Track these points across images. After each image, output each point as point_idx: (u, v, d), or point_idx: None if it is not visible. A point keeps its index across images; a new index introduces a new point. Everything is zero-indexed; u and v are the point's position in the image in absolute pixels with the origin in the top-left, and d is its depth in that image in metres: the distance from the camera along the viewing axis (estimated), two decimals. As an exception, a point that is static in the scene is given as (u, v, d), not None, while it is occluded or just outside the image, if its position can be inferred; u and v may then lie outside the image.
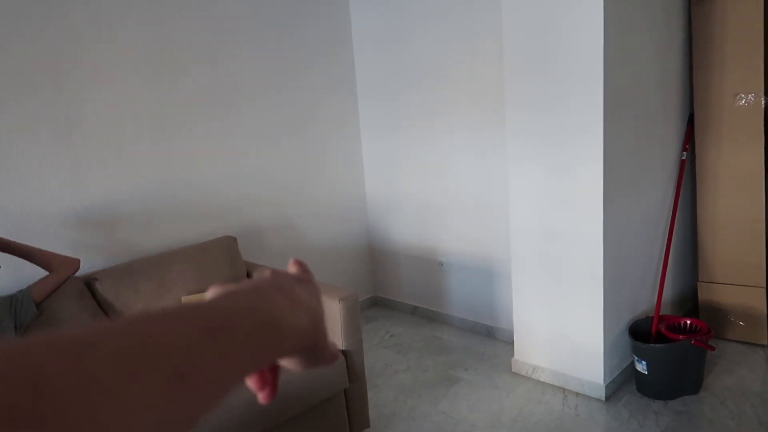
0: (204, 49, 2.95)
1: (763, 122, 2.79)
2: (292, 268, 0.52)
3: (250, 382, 0.43)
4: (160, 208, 2.85)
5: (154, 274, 2.50)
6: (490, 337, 3.34)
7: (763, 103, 2.77)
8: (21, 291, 2.03)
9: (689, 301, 3.40)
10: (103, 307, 2.35)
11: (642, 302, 2.86)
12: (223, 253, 2.75)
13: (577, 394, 2.68)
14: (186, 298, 2.40)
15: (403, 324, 3.65)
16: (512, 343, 2.98)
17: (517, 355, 2.92)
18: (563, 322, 2.68)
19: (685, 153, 3.04)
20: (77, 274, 2.48)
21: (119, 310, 2.37)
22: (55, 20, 2.43)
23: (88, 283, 2.38)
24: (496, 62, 2.96)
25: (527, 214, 2.70)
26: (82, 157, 2.57)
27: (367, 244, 3.94)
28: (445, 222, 3.45)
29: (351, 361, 2.37)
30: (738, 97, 2.83)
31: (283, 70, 3.31)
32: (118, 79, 2.65)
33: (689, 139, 3.08)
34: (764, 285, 2.89)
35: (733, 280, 2.98)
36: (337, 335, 2.34)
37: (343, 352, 2.35)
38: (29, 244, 2.14)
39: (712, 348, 2.56)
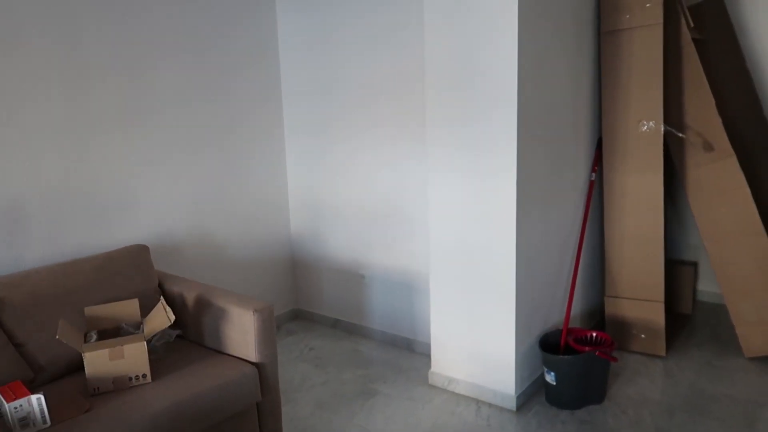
0: (121, 56, 2.83)
1: (662, 148, 3.00)
2: None
3: None
4: (68, 214, 2.70)
5: (56, 283, 2.36)
6: (410, 350, 3.37)
7: (662, 130, 2.98)
8: None
9: (597, 315, 3.57)
10: (-5, 318, 2.19)
11: (553, 315, 2.98)
12: (133, 263, 2.63)
13: (490, 405, 2.74)
14: (89, 310, 2.28)
15: (324, 337, 3.61)
16: (430, 355, 3.01)
17: (433, 368, 2.96)
18: (477, 334, 2.75)
19: (594, 174, 3.21)
20: (-32, 282, 2.32)
21: (14, 323, 2.21)
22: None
23: (-20, 293, 2.22)
24: (419, 78, 3.03)
25: (445, 229, 2.76)
26: (-21, 157, 2.40)
27: (290, 255, 3.89)
28: (368, 235, 3.46)
29: (264, 375, 2.32)
30: (641, 123, 3.02)
31: (206, 77, 3.24)
32: (27, 81, 2.50)
33: (598, 161, 3.25)
34: (662, 300, 3.08)
35: (635, 294, 3.15)
36: (250, 347, 2.29)
37: (256, 365, 2.30)
38: None
39: (615, 359, 2.70)
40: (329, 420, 2.66)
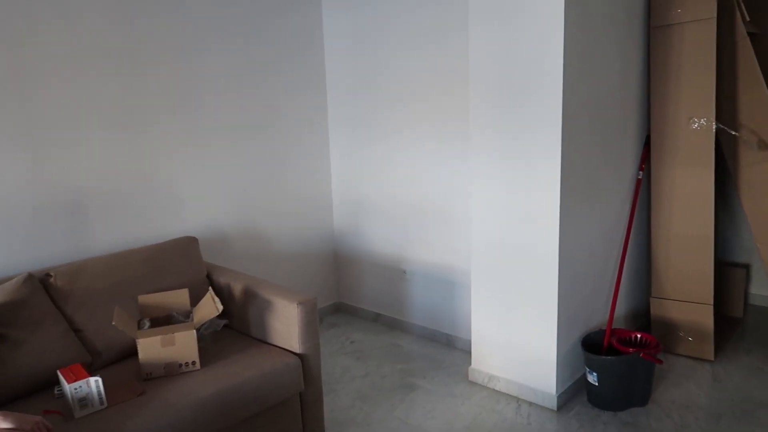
0: (172, 46, 2.94)
1: (713, 146, 2.91)
2: None
3: None
4: (121, 205, 2.82)
5: (111, 273, 2.48)
6: (449, 346, 3.38)
7: (714, 127, 2.89)
8: None
9: (642, 316, 3.50)
10: (57, 304, 2.31)
11: (596, 315, 2.94)
12: (182, 254, 2.73)
13: (530, 403, 2.73)
14: (142, 298, 2.38)
15: (365, 331, 3.66)
16: (470, 352, 3.03)
17: (474, 364, 2.97)
18: (519, 332, 2.74)
19: (641, 172, 3.15)
20: (33, 269, 2.46)
21: (73, 310, 2.33)
22: (17, 10, 2.41)
23: (42, 280, 2.34)
24: (463, 75, 3.03)
25: (487, 227, 2.76)
26: (40, 150, 2.54)
27: (332, 249, 3.95)
28: (410, 230, 3.49)
29: (307, 366, 2.38)
30: (691, 120, 2.94)
31: (252, 73, 3.32)
32: (80, 72, 2.63)
33: (645, 159, 3.18)
34: (711, 302, 3.00)
35: (683, 296, 3.08)
36: (294, 338, 2.35)
37: (300, 356, 2.35)
38: None
39: (660, 362, 2.65)
40: (369, 412, 2.71)
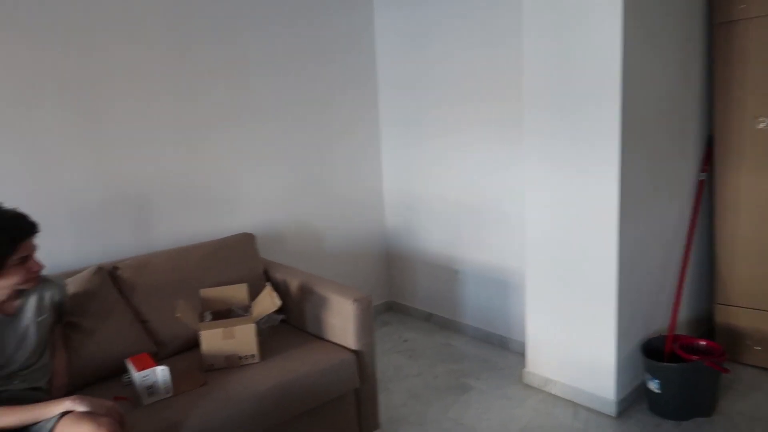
0: (227, 54, 3.02)
1: (786, 145, 2.78)
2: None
3: None
4: (181, 202, 2.92)
5: (174, 267, 2.56)
6: (503, 348, 3.34)
7: (786, 126, 2.76)
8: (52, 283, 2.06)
9: (705, 323, 3.37)
10: (124, 295, 2.41)
11: (656, 320, 2.84)
12: (240, 250, 2.80)
13: (588, 409, 2.67)
14: (204, 291, 2.45)
15: (417, 330, 3.66)
16: (525, 354, 2.98)
17: (529, 367, 2.92)
18: (576, 336, 2.68)
19: (704, 174, 3.03)
20: (103, 261, 2.56)
21: (140, 301, 2.42)
22: (86, 20, 2.53)
23: (111, 272, 2.44)
24: (517, 75, 2.99)
25: (543, 227, 2.72)
26: (108, 149, 2.65)
27: (384, 248, 3.97)
28: (463, 230, 3.47)
29: (362, 362, 2.39)
30: (758, 119, 2.81)
31: (304, 73, 3.37)
32: (144, 77, 2.73)
33: (708, 160, 3.06)
34: (783, 310, 2.86)
35: (750, 303, 2.95)
36: (349, 335, 2.37)
37: (355, 352, 2.37)
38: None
39: (726, 370, 2.54)
40: (423, 411, 2.71)
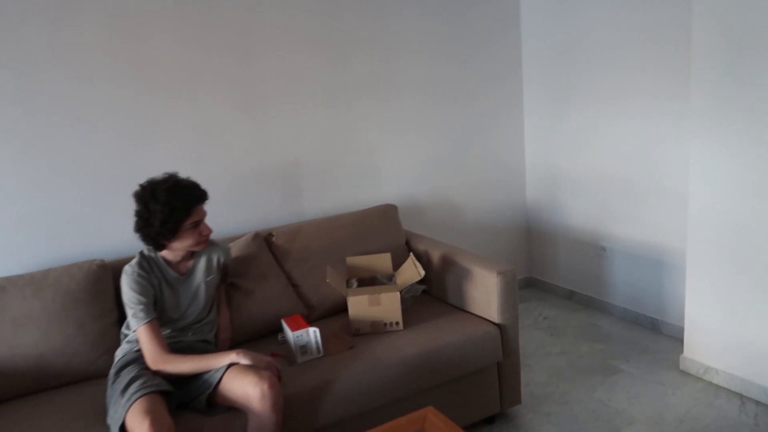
0: (373, 31, 3.05)
1: None
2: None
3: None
4: (328, 173, 3.03)
5: (322, 235, 2.67)
6: (655, 331, 3.11)
7: None
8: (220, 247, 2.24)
9: None
10: (278, 260, 2.56)
11: None
12: (384, 220, 2.86)
13: (757, 402, 2.41)
14: (350, 259, 2.53)
15: (558, 307, 3.53)
16: (681, 339, 2.76)
17: (686, 353, 2.69)
18: (746, 323, 2.42)
19: None
20: (260, 228, 2.74)
21: (292, 266, 2.56)
22: (243, 7, 2.68)
23: (266, 239, 2.61)
24: (679, 39, 2.70)
25: (710, 203, 2.46)
26: (263, 123, 2.81)
27: (525, 223, 3.85)
28: (612, 205, 3.25)
29: (506, 336, 2.35)
30: None
31: (448, 43, 3.32)
32: (296, 55, 2.85)
33: None
34: None
35: None
36: (493, 308, 2.33)
37: (498, 326, 2.33)
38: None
39: None
40: (567, 390, 2.61)
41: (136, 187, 1.98)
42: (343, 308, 2.52)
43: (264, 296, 2.40)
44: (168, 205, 1.90)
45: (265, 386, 1.74)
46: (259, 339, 2.36)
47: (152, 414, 1.63)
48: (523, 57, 3.61)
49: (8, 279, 2.11)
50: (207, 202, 2.03)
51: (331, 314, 2.56)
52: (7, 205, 2.32)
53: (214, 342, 2.18)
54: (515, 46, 3.58)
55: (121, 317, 2.22)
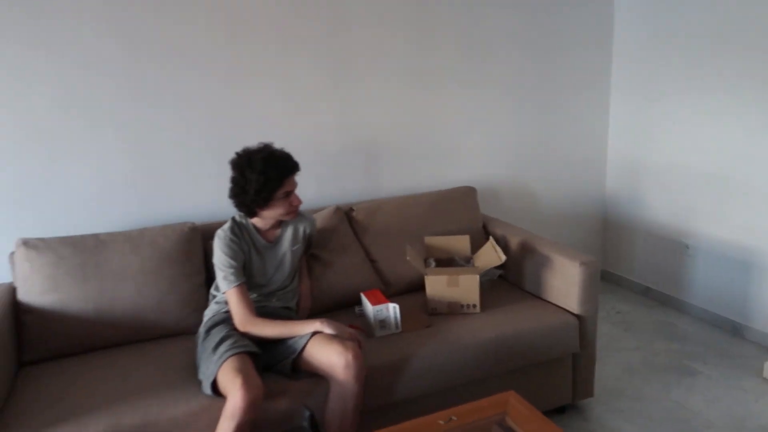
0: (458, 12, 3.01)
1: None
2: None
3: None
4: (407, 152, 3.04)
5: (401, 213, 2.69)
6: (736, 335, 2.99)
7: None
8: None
9: None
10: (357, 235, 2.60)
11: None
12: (462, 203, 2.85)
13: None
14: (428, 239, 2.55)
15: (632, 303, 3.44)
16: (766, 346, 2.64)
17: (771, 360, 2.58)
18: None
19: None
20: (338, 202, 2.78)
21: (370, 242, 2.60)
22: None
23: (347, 213, 2.65)
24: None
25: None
26: (348, 100, 2.84)
27: (601, 214, 3.75)
28: (698, 202, 3.12)
29: (584, 328, 2.31)
30: None
31: (532, 26, 3.23)
32: (383, 34, 2.85)
33: None
34: None
35: None
36: (572, 298, 2.30)
37: (577, 316, 2.30)
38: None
39: None
40: (640, 387, 2.56)
41: (223, 155, 2.04)
42: (418, 286, 2.54)
43: (343, 269, 2.45)
44: (263, 174, 1.96)
45: (350, 356, 1.79)
46: (336, 310, 2.42)
47: (243, 373, 1.70)
48: (614, 46, 3.48)
49: (110, 234, 2.24)
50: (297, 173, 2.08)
51: (406, 291, 2.59)
52: (107, 165, 2.45)
53: (296, 310, 2.25)
54: (606, 34, 3.45)
55: (208, 279, 2.33)
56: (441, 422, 1.55)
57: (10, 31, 2.22)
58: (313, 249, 2.41)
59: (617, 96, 3.52)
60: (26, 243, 2.13)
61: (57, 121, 2.35)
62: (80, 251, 2.15)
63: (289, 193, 2.05)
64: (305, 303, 2.30)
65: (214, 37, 2.53)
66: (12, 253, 2.19)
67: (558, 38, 3.31)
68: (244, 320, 1.95)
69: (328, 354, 1.82)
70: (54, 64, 2.30)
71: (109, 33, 2.35)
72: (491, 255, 2.37)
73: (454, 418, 1.56)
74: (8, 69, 2.24)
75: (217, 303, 2.10)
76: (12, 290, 2.15)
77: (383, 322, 2.15)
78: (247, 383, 1.67)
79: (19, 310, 2.09)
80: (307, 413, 1.36)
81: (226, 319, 2.01)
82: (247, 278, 2.06)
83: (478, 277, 2.28)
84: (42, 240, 2.15)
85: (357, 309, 2.38)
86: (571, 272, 2.29)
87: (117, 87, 2.41)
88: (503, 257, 2.29)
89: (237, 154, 2.05)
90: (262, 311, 2.07)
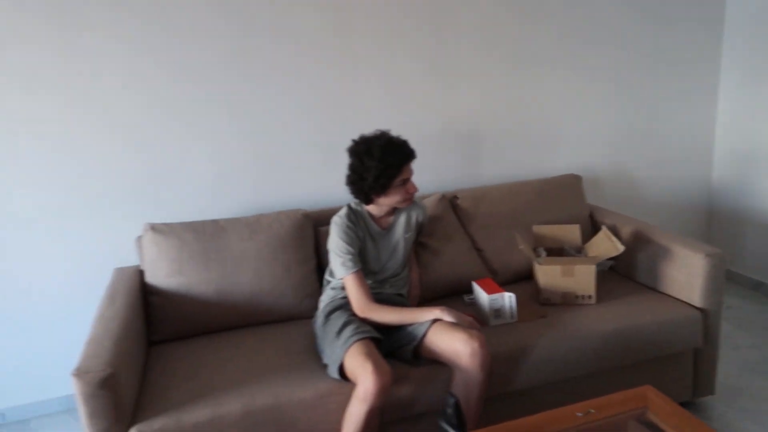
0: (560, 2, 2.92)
1: None
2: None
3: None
4: (508, 139, 2.98)
5: (506, 201, 2.65)
6: None
7: None
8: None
9: None
10: (462, 223, 2.58)
11: None
12: (568, 191, 2.77)
13: None
14: (537, 228, 2.49)
15: (742, 297, 3.26)
16: None
17: None
18: None
19: None
20: (438, 189, 2.76)
21: (475, 230, 2.57)
22: (452, -44, 2.65)
23: (451, 200, 2.63)
24: None
25: None
26: (449, 84, 2.81)
27: (707, 204, 3.56)
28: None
29: (707, 322, 2.21)
30: None
31: (635, 7, 3.08)
32: (487, 18, 2.80)
33: None
34: None
35: None
36: (695, 291, 2.20)
37: (701, 310, 2.20)
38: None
39: None
40: (763, 387, 2.42)
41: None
42: (525, 276, 2.50)
43: (449, 257, 2.43)
44: (382, 162, 1.96)
45: (476, 345, 1.77)
46: (443, 298, 2.40)
47: (373, 358, 1.72)
48: (725, 23, 3.28)
49: (228, 221, 2.31)
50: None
51: (512, 281, 2.54)
52: (221, 154, 2.53)
53: (406, 297, 2.26)
54: (717, 10, 3.25)
55: (319, 265, 2.37)
56: (579, 414, 1.51)
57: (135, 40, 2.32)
58: (421, 237, 2.40)
59: (728, 78, 3.32)
60: (153, 228, 2.23)
61: (177, 113, 2.45)
62: (202, 236, 2.23)
63: (406, 181, 2.05)
64: (415, 291, 2.31)
65: (323, 26, 2.56)
66: (139, 237, 2.30)
67: (663, 20, 3.14)
68: (363, 306, 1.97)
69: (452, 342, 1.81)
70: (175, 52, 2.40)
71: (223, 20, 2.42)
72: (606, 245, 2.29)
73: (592, 411, 1.52)
74: (130, 57, 2.35)
75: (333, 289, 2.13)
76: (139, 273, 2.26)
77: (498, 312, 2.12)
78: (377, 368, 1.68)
79: (146, 292, 2.20)
80: (452, 400, 1.36)
81: (343, 305, 2.04)
82: (362, 265, 2.08)
83: (594, 267, 2.22)
84: (167, 225, 2.25)
85: (466, 297, 2.37)
86: (695, 264, 2.18)
87: (231, 74, 2.48)
88: (621, 247, 2.21)
89: (354, 141, 2.06)
90: (376, 298, 2.07)
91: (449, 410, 1.36)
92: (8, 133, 2.29)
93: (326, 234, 2.33)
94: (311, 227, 2.40)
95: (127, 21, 2.31)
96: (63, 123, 2.34)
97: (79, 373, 1.58)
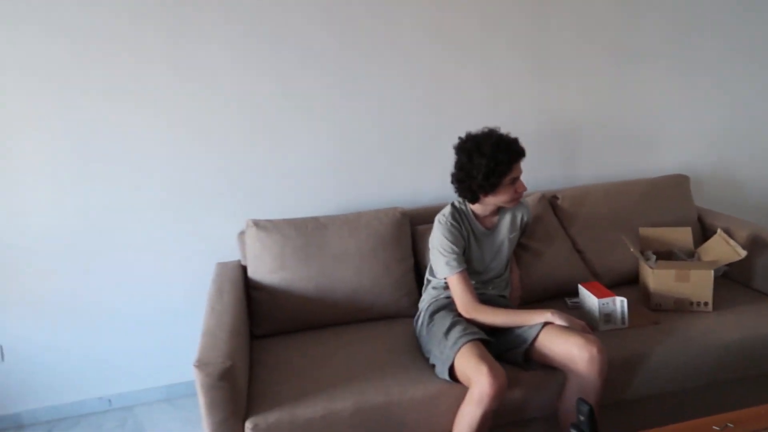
0: (680, -25, 2.78)
1: None
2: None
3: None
4: (606, 136, 2.87)
5: (609, 201, 2.54)
6: None
7: None
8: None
9: None
10: (563, 224, 2.49)
11: None
12: (674, 191, 2.64)
13: None
14: (643, 230, 2.38)
15: None
16: None
17: None
18: None
19: None
20: (537, 190, 2.68)
21: (576, 232, 2.48)
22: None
23: (550, 201, 2.55)
24: None
25: None
26: (547, 81, 2.73)
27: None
28: None
29: (841, 335, 2.04)
30: None
31: (744, 3, 2.90)
32: (588, 15, 2.70)
33: None
34: None
35: None
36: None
37: (833, 322, 2.03)
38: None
39: None
40: None
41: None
42: (629, 280, 2.40)
43: (550, 259, 2.36)
44: (493, 159, 1.91)
45: (594, 350, 1.70)
46: (545, 300, 2.33)
47: (487, 360, 1.68)
48: None
49: (329, 218, 2.32)
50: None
51: (615, 285, 2.43)
52: (317, 152, 2.55)
53: (507, 299, 2.20)
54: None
55: (417, 264, 2.35)
56: (716, 428, 1.42)
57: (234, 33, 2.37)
58: (521, 237, 2.34)
59: None
60: (257, 224, 2.27)
61: (275, 113, 2.47)
62: (303, 233, 2.25)
63: (516, 179, 1.99)
64: (516, 292, 2.25)
65: (419, 34, 2.52)
66: (241, 233, 2.35)
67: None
68: (468, 306, 1.92)
69: (568, 346, 1.74)
70: (273, 57, 2.42)
71: (322, 29, 2.43)
72: (724, 249, 2.16)
73: (730, 425, 1.43)
74: (234, 61, 2.39)
75: (434, 288, 2.10)
76: (241, 267, 2.31)
77: (608, 316, 2.03)
78: (493, 370, 1.64)
79: (249, 287, 2.24)
80: (586, 407, 1.30)
81: (447, 305, 2.01)
82: (466, 264, 2.04)
83: (712, 273, 2.09)
84: (270, 221, 2.28)
85: (569, 301, 2.29)
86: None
87: (326, 76, 2.48)
88: (743, 252, 2.08)
89: (462, 138, 2.02)
90: (480, 299, 2.04)
91: (582, 417, 1.30)
92: (135, 140, 2.37)
93: (423, 233, 2.33)
94: (408, 226, 2.38)
95: (241, 17, 2.37)
96: (174, 132, 2.40)
97: (200, 364, 1.62)
